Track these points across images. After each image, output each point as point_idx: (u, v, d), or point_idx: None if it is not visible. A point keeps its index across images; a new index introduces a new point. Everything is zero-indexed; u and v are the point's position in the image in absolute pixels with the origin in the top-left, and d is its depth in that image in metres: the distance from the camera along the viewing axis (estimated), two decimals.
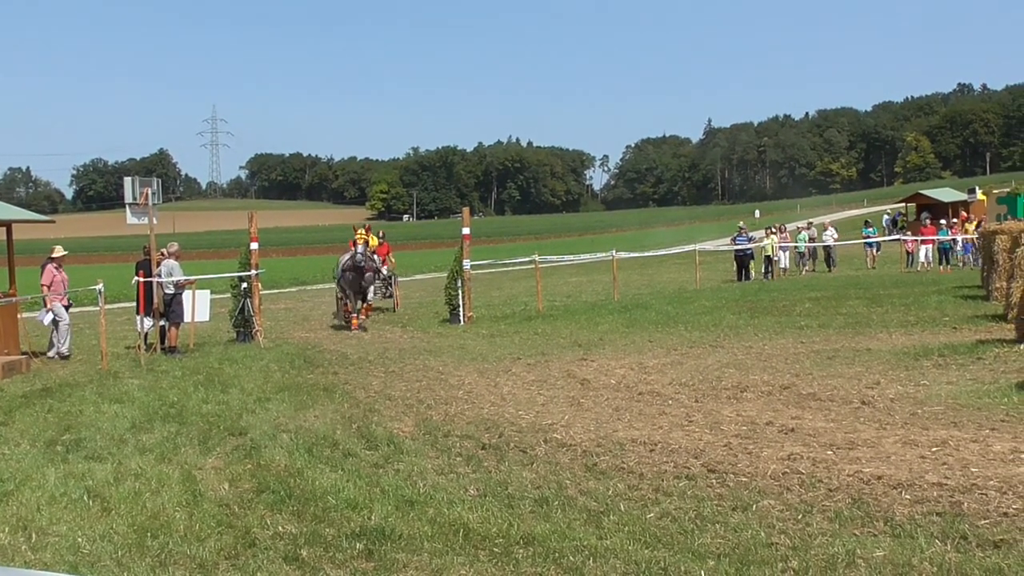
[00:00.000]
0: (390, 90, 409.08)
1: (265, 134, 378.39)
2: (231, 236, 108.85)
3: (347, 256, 21.03)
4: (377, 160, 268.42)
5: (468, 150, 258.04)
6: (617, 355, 15.40)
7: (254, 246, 19.43)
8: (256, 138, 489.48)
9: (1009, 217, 39.09)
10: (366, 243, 20.92)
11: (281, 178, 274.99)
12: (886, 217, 60.16)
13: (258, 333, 18.86)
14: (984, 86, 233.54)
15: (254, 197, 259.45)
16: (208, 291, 19.68)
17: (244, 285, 19.14)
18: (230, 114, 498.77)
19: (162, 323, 17.90)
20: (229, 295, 20.31)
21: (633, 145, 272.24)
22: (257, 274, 19.42)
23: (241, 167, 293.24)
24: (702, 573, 5.45)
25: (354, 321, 20.66)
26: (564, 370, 13.94)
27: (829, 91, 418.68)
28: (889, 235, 43.58)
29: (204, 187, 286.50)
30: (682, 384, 12.27)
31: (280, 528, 6.68)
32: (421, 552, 6.04)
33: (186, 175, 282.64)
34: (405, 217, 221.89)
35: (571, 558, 5.80)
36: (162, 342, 17.78)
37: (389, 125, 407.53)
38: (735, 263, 34.54)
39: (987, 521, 6.15)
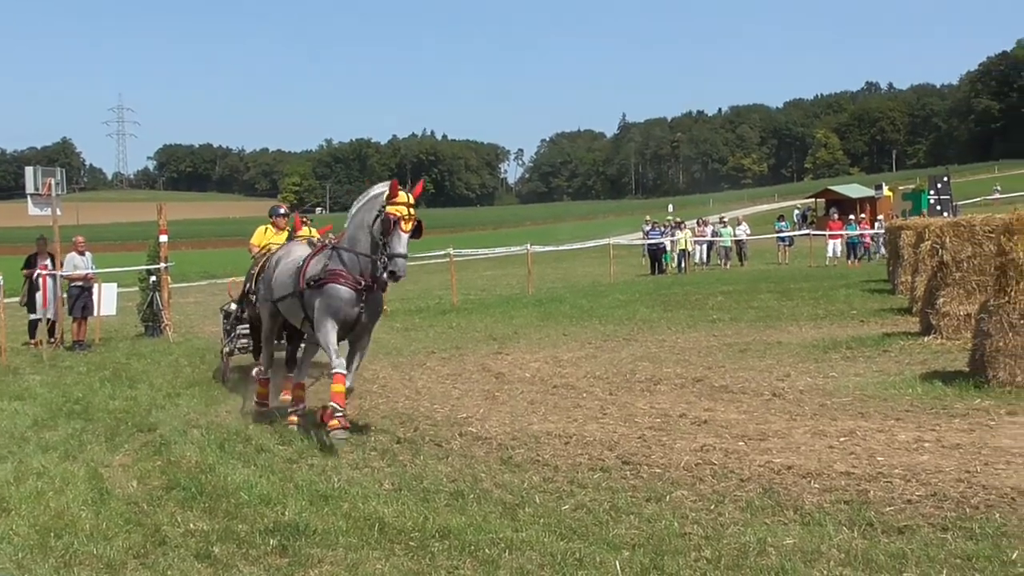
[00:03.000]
0: (302, 81, 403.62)
1: (174, 124, 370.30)
2: (138, 228, 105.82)
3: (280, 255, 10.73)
4: (289, 152, 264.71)
5: (382, 143, 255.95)
6: (532, 349, 15.45)
7: (163, 239, 19.03)
8: (164, 128, 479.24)
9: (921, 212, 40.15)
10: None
11: (190, 169, 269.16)
12: (796, 212, 61.31)
13: (167, 327, 18.49)
14: (891, 85, 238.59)
15: (162, 188, 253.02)
16: (115, 284, 19.19)
17: (153, 278, 18.77)
18: (137, 103, 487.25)
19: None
20: (137, 289, 19.88)
21: (548, 139, 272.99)
22: (166, 267, 19.03)
23: (149, 158, 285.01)
24: (617, 564, 5.47)
25: (263, 401, 10.71)
26: (479, 364, 13.95)
27: (742, 88, 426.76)
28: (799, 230, 44.42)
29: (110, 178, 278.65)
30: (596, 377, 12.35)
31: (191, 525, 6.55)
32: (336, 547, 5.98)
33: (91, 165, 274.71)
34: (318, 210, 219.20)
35: (487, 551, 5.79)
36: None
37: (302, 116, 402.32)
38: (648, 257, 34.93)
39: (892, 508, 6.31)
